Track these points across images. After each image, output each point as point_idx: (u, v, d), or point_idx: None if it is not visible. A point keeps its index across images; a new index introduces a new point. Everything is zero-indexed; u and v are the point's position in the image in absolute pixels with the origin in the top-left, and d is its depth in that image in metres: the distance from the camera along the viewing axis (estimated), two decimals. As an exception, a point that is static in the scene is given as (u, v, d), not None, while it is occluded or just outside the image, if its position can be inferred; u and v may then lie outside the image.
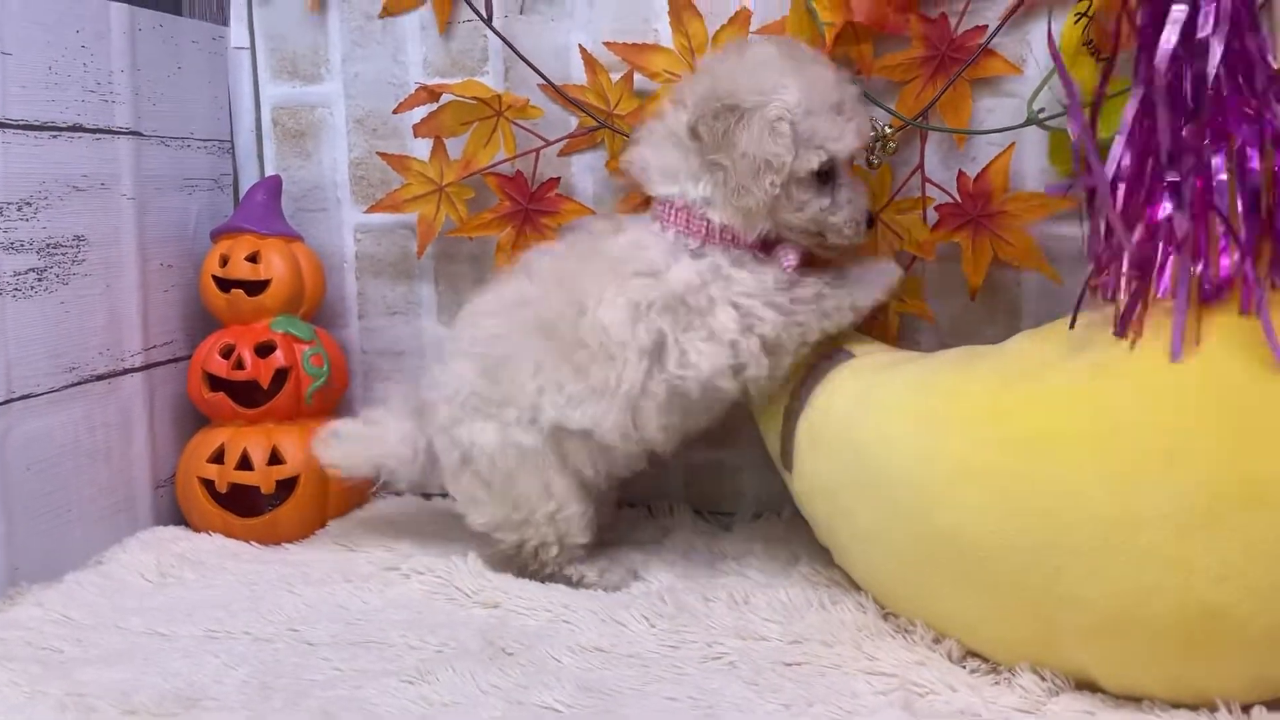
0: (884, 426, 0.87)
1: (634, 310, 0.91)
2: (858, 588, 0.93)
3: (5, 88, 0.96)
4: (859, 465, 0.88)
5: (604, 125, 1.12)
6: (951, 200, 1.05)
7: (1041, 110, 1.00)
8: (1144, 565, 0.71)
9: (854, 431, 0.89)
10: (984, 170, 1.04)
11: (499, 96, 1.14)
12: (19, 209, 0.98)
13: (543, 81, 1.13)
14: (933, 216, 1.06)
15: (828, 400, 0.93)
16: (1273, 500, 0.69)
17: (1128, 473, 0.72)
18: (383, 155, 1.19)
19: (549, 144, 1.15)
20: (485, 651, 0.85)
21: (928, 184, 1.06)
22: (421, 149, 1.18)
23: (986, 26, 1.02)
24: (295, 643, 0.88)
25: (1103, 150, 0.81)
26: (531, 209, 1.16)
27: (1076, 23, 0.97)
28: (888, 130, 1.02)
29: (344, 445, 1.05)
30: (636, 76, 1.11)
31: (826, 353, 0.97)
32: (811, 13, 1.02)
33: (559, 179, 1.16)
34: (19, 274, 0.98)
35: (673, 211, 0.93)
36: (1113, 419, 0.74)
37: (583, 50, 1.12)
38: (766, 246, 0.93)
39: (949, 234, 1.05)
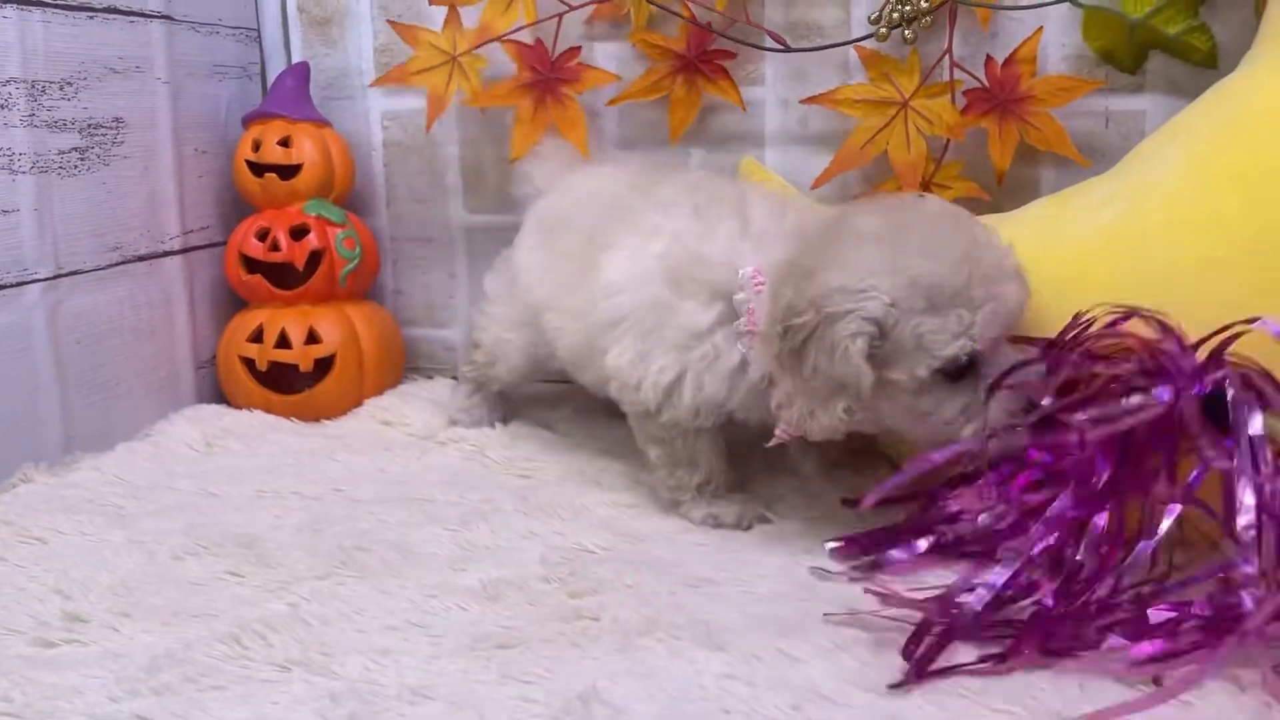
0: None
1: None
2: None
3: (42, -34, 0.97)
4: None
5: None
6: (979, 85, 1.06)
7: (1074, -15, 1.00)
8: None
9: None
10: (1012, 54, 1.04)
11: (520, -41, 1.09)
12: (60, 88, 1.00)
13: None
14: (961, 100, 1.07)
15: None
16: None
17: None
18: (392, 24, 1.16)
19: (572, 9, 1.12)
20: (520, 507, 0.90)
21: (955, 68, 1.07)
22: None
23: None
24: (341, 500, 0.93)
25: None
26: (553, 78, 1.13)
27: None
28: (923, 5, 1.03)
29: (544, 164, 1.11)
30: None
31: None
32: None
33: (580, 48, 1.14)
34: (63, 153, 1.01)
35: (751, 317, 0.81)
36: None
37: None
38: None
39: (977, 118, 1.06)
